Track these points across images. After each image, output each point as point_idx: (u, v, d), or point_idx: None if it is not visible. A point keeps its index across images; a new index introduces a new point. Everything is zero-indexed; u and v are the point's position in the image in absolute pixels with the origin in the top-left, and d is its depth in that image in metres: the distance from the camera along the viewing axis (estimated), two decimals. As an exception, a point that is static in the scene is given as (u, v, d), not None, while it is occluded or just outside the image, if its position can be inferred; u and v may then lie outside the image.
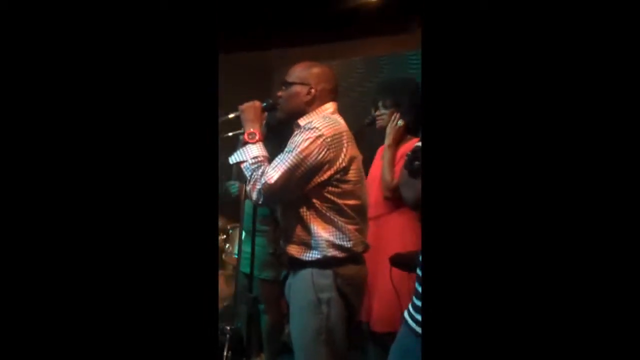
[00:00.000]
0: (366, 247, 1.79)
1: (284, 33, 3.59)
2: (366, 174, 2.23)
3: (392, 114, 2.28)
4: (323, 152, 1.61)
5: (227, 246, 3.11)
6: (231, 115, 1.81)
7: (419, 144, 1.40)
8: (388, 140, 2.24)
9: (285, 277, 1.85)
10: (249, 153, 1.67)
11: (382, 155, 2.38)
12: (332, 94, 1.78)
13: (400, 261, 2.05)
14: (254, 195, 1.62)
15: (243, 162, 1.67)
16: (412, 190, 1.60)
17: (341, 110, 1.83)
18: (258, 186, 1.60)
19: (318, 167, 1.61)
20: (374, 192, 2.29)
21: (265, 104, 1.81)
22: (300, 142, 1.61)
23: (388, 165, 2.20)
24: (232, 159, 1.70)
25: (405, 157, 1.40)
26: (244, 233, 2.47)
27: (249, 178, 1.64)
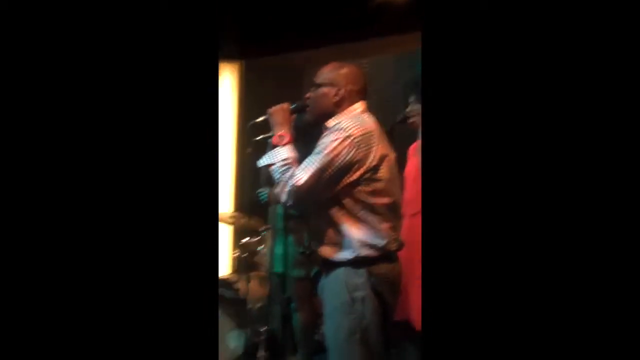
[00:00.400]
0: (400, 245, 1.77)
1: (311, 34, 3.59)
2: (401, 169, 2.21)
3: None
4: (352, 152, 1.61)
5: (259, 247, 3.12)
6: (259, 119, 1.82)
7: None
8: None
9: (317, 275, 1.84)
10: (278, 156, 1.68)
11: (418, 151, 2.35)
12: (361, 94, 1.78)
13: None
14: (283, 197, 1.63)
15: (272, 164, 1.68)
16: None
17: (373, 109, 1.81)
18: (287, 188, 1.61)
19: (347, 168, 1.61)
20: (410, 188, 2.26)
21: (294, 106, 1.81)
22: (328, 144, 1.61)
23: None
24: (261, 162, 1.72)
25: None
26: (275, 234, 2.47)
27: (277, 180, 1.65)
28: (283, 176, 1.63)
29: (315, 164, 1.59)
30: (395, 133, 2.23)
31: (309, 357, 2.82)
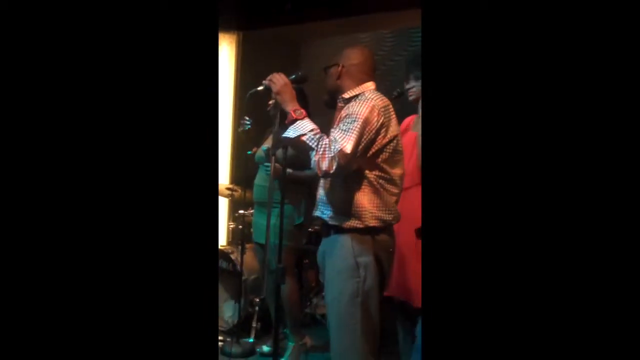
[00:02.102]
0: (399, 218, 1.84)
1: (308, 6, 3.55)
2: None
3: None
4: (381, 119, 1.69)
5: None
6: (260, 88, 1.81)
7: None
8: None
9: (306, 245, 1.89)
10: (305, 127, 1.69)
11: (410, 126, 2.35)
12: (368, 71, 1.87)
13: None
14: (325, 165, 1.62)
15: (303, 135, 1.68)
16: None
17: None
18: (329, 154, 1.62)
19: (379, 132, 1.70)
20: (405, 162, 2.28)
21: (293, 77, 1.81)
22: (361, 111, 1.68)
23: None
24: (291, 134, 1.70)
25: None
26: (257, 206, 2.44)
27: (317, 148, 1.64)
28: (321, 143, 1.64)
29: (355, 131, 1.64)
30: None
31: (298, 329, 2.86)
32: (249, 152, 2.91)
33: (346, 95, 1.84)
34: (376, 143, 1.70)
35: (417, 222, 2.06)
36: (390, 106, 1.77)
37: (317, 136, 1.66)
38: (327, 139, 1.64)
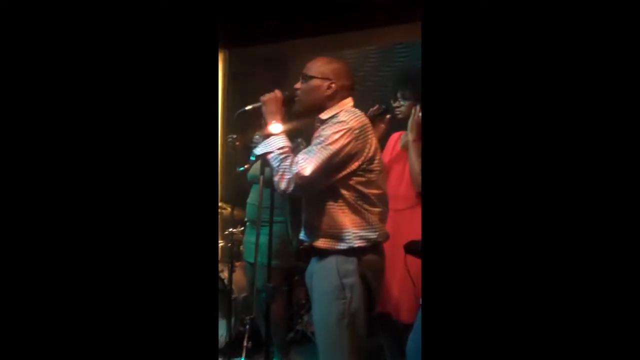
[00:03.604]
0: (387, 237, 1.82)
1: (295, 24, 3.58)
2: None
3: (411, 106, 2.25)
4: (352, 144, 1.66)
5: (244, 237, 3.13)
6: (249, 107, 1.82)
7: None
8: (413, 135, 2.21)
9: (297, 264, 1.87)
10: (275, 144, 1.70)
11: (398, 144, 2.37)
12: (351, 89, 1.84)
13: (414, 248, 2.05)
14: (283, 185, 1.64)
15: (269, 153, 1.69)
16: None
17: (355, 100, 1.86)
18: (288, 176, 1.63)
19: (348, 159, 1.67)
20: (396, 183, 2.28)
21: (285, 94, 1.82)
22: (330, 135, 1.66)
23: (417, 160, 2.18)
24: (258, 151, 1.73)
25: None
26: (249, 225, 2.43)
27: (277, 168, 1.66)
28: (283, 164, 1.65)
29: (319, 154, 1.63)
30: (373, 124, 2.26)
31: (284, 347, 2.84)
32: (241, 169, 2.89)
33: (324, 116, 1.79)
34: (348, 167, 1.68)
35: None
36: (368, 126, 1.73)
37: (282, 156, 1.66)
38: (291, 159, 1.65)
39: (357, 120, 1.70)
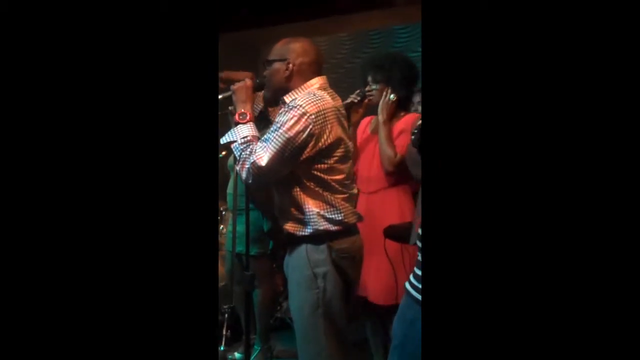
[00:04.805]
0: (359, 218, 1.81)
1: (272, 11, 3.55)
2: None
3: (382, 89, 2.28)
4: (308, 129, 1.62)
5: (221, 227, 3.12)
6: (221, 96, 1.81)
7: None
8: (382, 116, 2.24)
9: (274, 251, 1.87)
10: (239, 133, 1.69)
11: (367, 128, 2.39)
12: (314, 68, 1.77)
13: (393, 233, 2.08)
14: (244, 175, 1.65)
15: (233, 142, 1.69)
16: (421, 167, 1.61)
17: (331, 87, 1.82)
18: (247, 165, 1.63)
19: (304, 145, 1.63)
20: (367, 166, 2.31)
21: (256, 82, 1.81)
22: (286, 121, 1.62)
23: (386, 141, 2.21)
24: (223, 140, 1.72)
25: (411, 135, 1.40)
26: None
27: (238, 158, 1.66)
28: (243, 153, 1.65)
29: (274, 142, 1.61)
30: (350, 112, 2.27)
31: (267, 332, 2.86)
32: (220, 156, 2.86)
33: (287, 99, 1.73)
34: (305, 153, 1.64)
35: (384, 226, 2.10)
36: (328, 111, 1.66)
37: (244, 145, 1.65)
38: (251, 148, 1.63)
39: (315, 104, 1.64)
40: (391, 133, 2.24)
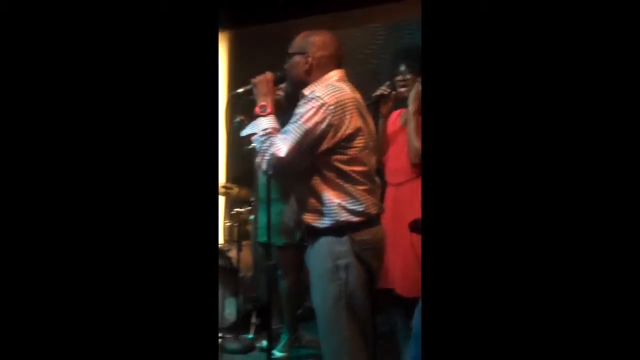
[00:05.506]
0: (380, 209, 1.80)
1: (300, 2, 3.55)
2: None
3: (414, 80, 2.26)
4: (327, 120, 1.63)
5: (251, 217, 3.16)
6: (241, 90, 1.83)
7: None
8: (413, 106, 2.21)
9: (300, 242, 1.88)
10: (260, 126, 1.70)
11: (398, 120, 2.37)
12: (334, 61, 1.78)
13: (419, 226, 2.06)
14: (264, 166, 1.66)
15: (253, 134, 1.71)
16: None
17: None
18: (267, 157, 1.64)
19: (323, 136, 1.63)
20: (395, 157, 2.29)
21: (277, 75, 1.82)
22: (304, 113, 1.63)
23: (415, 132, 2.19)
24: (244, 132, 1.74)
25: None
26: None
27: (258, 149, 1.68)
28: (263, 145, 1.66)
29: (293, 134, 1.62)
30: (379, 104, 2.25)
31: (294, 322, 2.89)
32: (250, 147, 2.90)
33: (306, 92, 1.72)
34: (324, 144, 1.64)
35: (411, 217, 2.09)
36: (347, 101, 1.66)
37: (264, 137, 1.66)
38: (271, 141, 1.65)
39: (334, 95, 1.65)
40: (420, 124, 2.21)
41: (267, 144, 1.65)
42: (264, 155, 1.65)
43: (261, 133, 1.68)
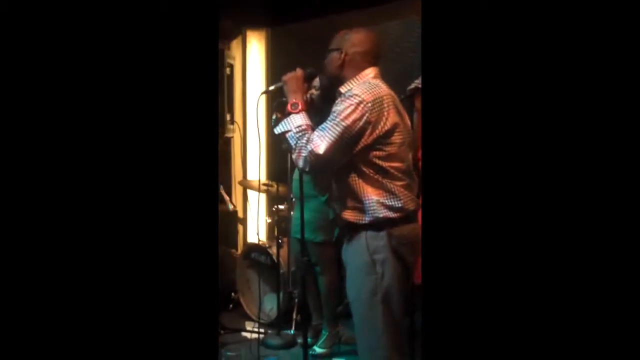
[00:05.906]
0: (418, 205, 1.80)
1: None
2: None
3: None
4: (365, 117, 1.64)
5: (292, 213, 3.19)
6: (272, 87, 1.85)
7: None
8: None
9: (339, 238, 1.89)
10: (293, 122, 1.72)
11: None
12: (369, 58, 1.80)
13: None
14: (300, 163, 1.68)
15: (287, 131, 1.72)
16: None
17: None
18: (304, 154, 1.65)
19: (361, 132, 1.65)
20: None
21: (308, 71, 1.84)
22: (342, 110, 1.64)
23: None
24: (277, 130, 1.76)
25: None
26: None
27: (294, 146, 1.69)
28: (299, 142, 1.68)
29: (331, 130, 1.63)
30: (414, 98, 2.23)
31: (334, 320, 2.90)
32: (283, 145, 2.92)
33: (343, 89, 1.76)
34: (362, 141, 1.65)
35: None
36: (384, 97, 1.68)
37: (299, 134, 1.67)
38: (307, 137, 1.65)
39: (371, 92, 1.66)
40: None
41: (303, 141, 1.66)
42: (300, 152, 1.66)
43: (295, 130, 1.70)
